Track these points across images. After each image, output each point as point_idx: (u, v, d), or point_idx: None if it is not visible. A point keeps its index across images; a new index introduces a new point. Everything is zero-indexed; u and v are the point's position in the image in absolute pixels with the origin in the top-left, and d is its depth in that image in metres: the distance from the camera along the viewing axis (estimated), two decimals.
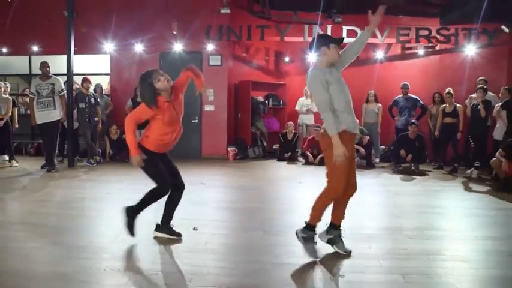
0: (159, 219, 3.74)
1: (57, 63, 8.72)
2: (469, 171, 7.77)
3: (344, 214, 3.41)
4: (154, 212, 3.77)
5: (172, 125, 3.56)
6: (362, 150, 8.69)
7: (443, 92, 8.54)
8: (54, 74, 7.73)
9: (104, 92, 9.58)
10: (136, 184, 6.44)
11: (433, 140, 8.77)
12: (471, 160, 7.92)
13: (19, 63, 10.32)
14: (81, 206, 5.09)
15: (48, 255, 3.31)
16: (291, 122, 10.00)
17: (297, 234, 3.34)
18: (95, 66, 10.01)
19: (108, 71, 10.07)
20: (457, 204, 5.66)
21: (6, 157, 8.12)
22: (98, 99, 8.60)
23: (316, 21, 9.41)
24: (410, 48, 9.98)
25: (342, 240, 3.37)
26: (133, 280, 2.82)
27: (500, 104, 7.25)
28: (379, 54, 10.00)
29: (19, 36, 9.72)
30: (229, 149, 9.77)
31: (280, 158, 9.77)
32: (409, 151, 8.14)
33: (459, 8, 8.48)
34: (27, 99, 8.66)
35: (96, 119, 8.41)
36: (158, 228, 3.73)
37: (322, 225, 3.40)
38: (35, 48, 9.80)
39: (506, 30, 8.63)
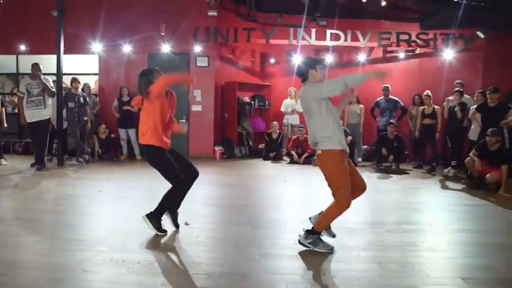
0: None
1: (45, 63, 8.78)
2: (446, 170, 8.14)
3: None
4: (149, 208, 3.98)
5: (165, 115, 3.85)
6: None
7: (422, 94, 8.91)
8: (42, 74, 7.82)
9: (91, 92, 9.70)
10: (126, 182, 6.71)
11: (413, 140, 9.12)
12: (448, 159, 8.29)
13: (6, 63, 10.34)
14: (75, 202, 5.25)
15: (48, 248, 3.49)
16: (276, 122, 10.26)
17: (301, 242, 3.45)
18: (82, 66, 10.11)
19: (95, 71, 10.19)
20: (434, 200, 6.00)
21: None
22: (87, 99, 8.72)
23: (301, 24, 9.69)
24: (391, 52, 10.34)
25: (322, 241, 3.48)
26: (132, 269, 3.03)
27: (475, 106, 7.61)
28: (362, 57, 10.33)
29: (7, 35, 9.76)
30: (216, 148, 9.98)
31: (266, 157, 10.02)
32: (388, 150, 8.47)
33: (438, 14, 8.86)
34: (15, 98, 8.74)
35: (85, 118, 8.54)
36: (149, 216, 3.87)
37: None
38: (23, 47, 9.84)
39: (482, 35, 9.04)
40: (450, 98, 8.40)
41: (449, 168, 8.05)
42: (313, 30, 9.69)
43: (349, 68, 10.39)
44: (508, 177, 6.26)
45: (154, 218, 3.86)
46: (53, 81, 8.11)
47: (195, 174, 3.96)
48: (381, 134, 8.83)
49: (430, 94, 8.54)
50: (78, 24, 9.22)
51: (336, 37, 9.63)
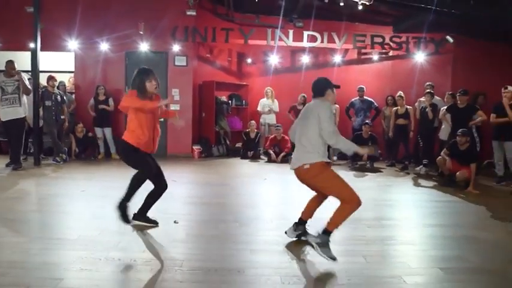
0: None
1: (18, 59, 8.59)
2: (418, 168, 8.50)
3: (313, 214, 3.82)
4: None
5: (152, 119, 3.96)
6: None
7: (395, 95, 9.26)
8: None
9: (66, 90, 9.57)
10: (107, 181, 6.68)
11: (386, 140, 9.47)
12: (420, 158, 8.67)
13: None
14: (59, 202, 5.23)
15: (40, 248, 3.50)
16: (253, 122, 10.40)
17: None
18: (56, 63, 9.95)
19: (69, 69, 10.06)
20: (408, 197, 6.31)
21: None
22: (64, 97, 8.61)
23: (278, 25, 9.86)
24: (365, 54, 10.67)
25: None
26: (129, 267, 3.11)
27: (445, 107, 7.99)
28: (337, 58, 10.61)
29: None
30: (194, 147, 10.04)
31: (244, 156, 10.15)
32: None
33: (410, 18, 9.22)
34: None
35: (62, 117, 8.43)
36: (135, 217, 4.10)
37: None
38: None
39: (451, 40, 9.48)
40: (421, 99, 8.77)
41: (421, 166, 8.42)
42: (291, 32, 9.89)
43: (325, 68, 10.65)
44: (476, 174, 6.65)
45: (139, 217, 4.10)
46: (29, 79, 7.98)
47: (163, 188, 4.14)
48: (355, 134, 9.12)
49: (403, 95, 8.89)
50: (53, 20, 9.06)
51: (312, 38, 9.86)
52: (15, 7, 9.06)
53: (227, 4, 9.80)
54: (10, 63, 7.51)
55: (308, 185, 3.62)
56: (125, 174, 4.13)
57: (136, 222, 4.10)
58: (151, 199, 4.14)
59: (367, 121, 9.00)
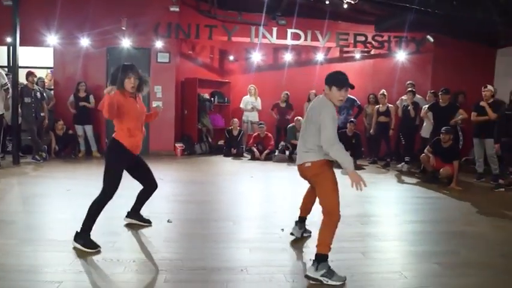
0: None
1: None
2: (400, 165, 8.67)
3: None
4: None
5: (138, 120, 3.69)
6: None
7: (377, 93, 9.41)
8: None
9: (45, 86, 9.30)
10: (92, 180, 6.45)
11: (368, 137, 9.60)
12: (402, 155, 8.83)
13: None
14: (45, 202, 5.09)
15: (33, 250, 3.40)
16: (236, 119, 10.36)
17: (311, 277, 2.98)
18: (33, 59, 9.66)
19: (47, 64, 9.78)
20: (393, 194, 6.43)
21: None
22: (44, 94, 8.37)
23: (260, 23, 9.85)
24: (347, 52, 10.77)
25: (334, 271, 3.08)
26: (129, 268, 3.06)
27: (427, 106, 8.16)
28: (320, 56, 10.68)
29: None
30: (176, 145, 9.93)
31: (227, 154, 10.09)
32: (346, 147, 8.85)
33: (392, 18, 9.37)
34: None
35: (42, 114, 8.19)
36: (129, 215, 4.09)
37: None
38: None
39: (431, 39, 9.68)
40: (403, 97, 8.94)
41: (403, 163, 8.58)
42: (275, 29, 9.89)
43: (308, 66, 10.72)
44: (458, 171, 6.83)
45: (132, 216, 4.06)
46: (6, 75, 7.71)
47: (153, 187, 4.03)
48: (340, 131, 9.17)
49: (385, 93, 9.04)
50: (31, 14, 8.77)
51: (296, 36, 9.89)
52: None
53: (211, 1, 9.72)
54: None
55: (309, 183, 3.60)
56: None
57: (130, 221, 4.04)
58: (143, 198, 4.08)
59: (352, 119, 9.10)
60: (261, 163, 9.17)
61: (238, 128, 10.25)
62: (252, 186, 6.88)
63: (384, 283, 2.96)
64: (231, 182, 7.11)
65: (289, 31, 9.85)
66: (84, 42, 9.26)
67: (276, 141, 10.13)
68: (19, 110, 7.81)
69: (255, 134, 9.97)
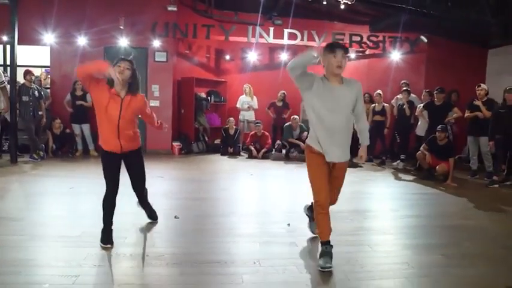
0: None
1: None
2: (395, 163, 8.82)
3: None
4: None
5: (110, 120, 3.39)
6: (302, 144, 9.41)
7: (372, 92, 9.55)
8: None
9: (42, 85, 9.27)
10: (93, 178, 6.49)
11: None
12: (397, 153, 8.98)
13: None
14: (48, 200, 5.11)
15: (45, 246, 3.44)
16: (232, 118, 10.41)
17: (321, 266, 3.04)
18: (30, 57, 9.61)
19: (43, 63, 9.75)
20: (392, 190, 6.56)
21: None
22: (42, 93, 8.35)
23: (256, 22, 9.92)
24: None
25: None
26: (143, 262, 3.11)
27: (422, 104, 8.32)
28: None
29: None
30: (174, 143, 9.96)
31: (224, 153, 10.16)
32: None
33: (386, 18, 9.52)
34: None
35: (40, 112, 8.17)
36: (139, 204, 4.05)
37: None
38: None
39: (425, 40, 9.86)
40: (399, 96, 9.09)
41: (398, 161, 8.73)
42: (271, 29, 9.97)
43: None
44: (453, 168, 6.98)
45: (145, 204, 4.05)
46: (3, 72, 7.68)
47: (137, 192, 3.80)
48: None
49: (381, 93, 9.18)
50: (28, 13, 8.74)
51: (292, 36, 9.98)
52: None
53: (208, 1, 9.77)
54: None
55: None
56: None
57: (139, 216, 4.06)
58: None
59: None
60: (258, 161, 9.26)
61: (234, 127, 10.32)
62: (251, 183, 6.96)
63: (392, 273, 3.05)
64: (230, 179, 7.18)
65: (286, 31, 9.94)
66: (82, 41, 9.24)
67: (273, 140, 10.23)
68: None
69: (252, 132, 10.05)
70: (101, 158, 3.60)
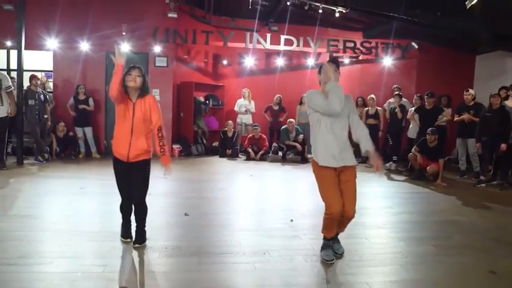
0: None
1: None
2: (387, 164, 9.18)
3: (343, 228, 3.56)
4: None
5: (124, 125, 3.49)
6: (299, 146, 9.77)
7: (365, 96, 9.93)
8: None
9: (45, 89, 9.52)
10: (101, 179, 6.82)
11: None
12: (389, 155, 9.36)
13: None
14: (62, 199, 5.37)
15: (69, 239, 3.71)
16: (230, 121, 10.73)
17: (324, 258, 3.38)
18: (33, 62, 9.84)
19: (46, 68, 9.98)
20: (385, 189, 6.90)
21: None
22: (47, 97, 8.60)
23: (253, 28, 10.27)
24: (337, 57, 11.27)
25: (336, 240, 3.56)
26: (163, 253, 3.42)
27: (413, 108, 8.71)
28: (311, 61, 11.17)
29: None
30: (174, 146, 10.25)
31: (222, 155, 10.46)
32: None
33: (379, 25, 9.92)
34: None
35: (45, 116, 8.41)
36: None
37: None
38: None
39: (415, 46, 10.29)
40: (391, 100, 9.48)
41: (391, 162, 9.11)
42: (268, 35, 10.32)
43: (299, 70, 11.20)
44: (443, 169, 7.37)
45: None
46: (11, 78, 7.92)
47: (135, 203, 3.67)
48: None
49: (374, 97, 9.57)
50: (32, 19, 8.97)
51: (288, 42, 10.35)
52: None
53: (207, 7, 10.09)
54: None
55: None
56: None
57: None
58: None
59: None
60: (256, 163, 9.56)
61: (232, 129, 10.63)
62: (251, 184, 7.27)
63: (388, 261, 3.40)
64: (231, 180, 7.47)
65: (282, 37, 10.30)
66: (84, 46, 9.52)
67: (270, 142, 10.55)
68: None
69: (250, 135, 10.36)
70: (113, 166, 3.66)
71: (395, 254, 3.56)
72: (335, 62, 3.45)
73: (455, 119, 7.92)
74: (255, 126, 10.35)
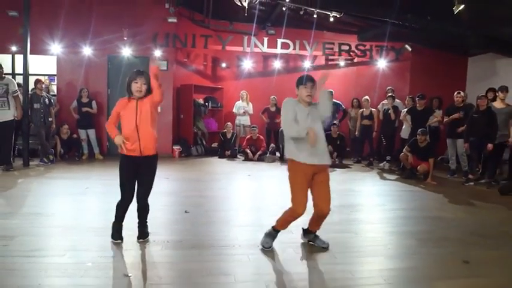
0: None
1: None
2: (381, 164, 9.48)
3: (319, 226, 3.82)
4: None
5: (130, 122, 3.65)
6: None
7: (360, 98, 10.22)
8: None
9: (49, 92, 9.79)
10: (105, 179, 7.10)
11: (352, 139, 10.41)
12: (383, 155, 9.65)
13: None
14: (70, 198, 5.66)
15: (79, 235, 3.99)
16: (229, 123, 11.04)
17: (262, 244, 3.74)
18: (37, 66, 10.13)
19: (49, 72, 10.28)
20: (377, 188, 7.20)
21: None
22: (52, 100, 8.90)
23: (251, 32, 10.57)
24: (332, 60, 11.58)
25: (318, 237, 3.88)
26: (165, 246, 3.73)
27: (405, 109, 9.00)
28: (307, 64, 11.46)
29: None
30: (174, 147, 10.54)
31: (221, 156, 10.76)
32: (332, 148, 9.65)
33: (373, 28, 10.22)
34: None
35: (50, 119, 8.71)
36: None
37: None
38: None
39: (409, 49, 10.60)
40: (384, 102, 9.77)
41: (384, 162, 9.41)
42: (265, 39, 10.62)
43: (295, 73, 11.43)
44: (433, 168, 7.66)
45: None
46: (18, 83, 8.20)
47: (137, 200, 3.83)
48: (325, 134, 9.94)
49: (368, 99, 9.88)
50: (36, 25, 9.25)
51: (285, 45, 10.65)
52: None
53: (206, 11, 10.39)
54: None
55: None
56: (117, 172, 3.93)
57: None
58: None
59: (335, 122, 9.87)
60: (254, 163, 9.85)
61: (231, 131, 10.93)
62: (249, 183, 7.56)
63: (373, 253, 3.70)
64: (229, 180, 7.76)
65: (279, 41, 10.60)
66: (87, 50, 9.82)
67: (267, 143, 10.84)
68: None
69: (248, 136, 10.65)
70: (119, 164, 3.77)
71: (380, 247, 3.86)
72: (312, 81, 3.67)
73: (445, 120, 8.21)
74: (253, 127, 10.64)
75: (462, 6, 6.70)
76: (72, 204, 5.39)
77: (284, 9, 9.43)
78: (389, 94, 9.60)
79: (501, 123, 7.20)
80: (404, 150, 8.11)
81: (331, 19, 8.75)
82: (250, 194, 6.62)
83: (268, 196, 6.45)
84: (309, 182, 3.58)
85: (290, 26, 10.53)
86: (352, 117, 10.47)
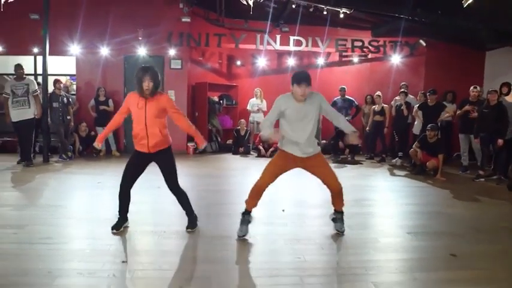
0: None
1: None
2: (394, 160, 9.45)
3: (340, 203, 4.06)
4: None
5: (139, 121, 3.87)
6: None
7: (373, 94, 10.19)
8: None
9: (69, 92, 10.17)
10: (118, 176, 7.31)
11: (365, 135, 10.38)
12: (395, 151, 9.60)
13: None
14: (83, 192, 5.97)
15: (92, 225, 4.26)
16: (243, 120, 11.18)
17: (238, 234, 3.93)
18: (56, 67, 10.53)
19: (68, 72, 10.68)
20: (385, 183, 7.25)
21: None
22: (70, 99, 9.26)
23: (265, 30, 10.67)
24: (346, 56, 11.56)
25: (337, 220, 4.09)
26: (163, 236, 3.94)
27: (417, 105, 8.93)
28: (320, 60, 11.48)
29: None
30: (189, 144, 10.77)
31: (235, 152, 10.92)
32: (344, 144, 9.68)
33: (387, 24, 10.16)
34: None
35: (68, 117, 9.07)
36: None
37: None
38: None
39: (423, 43, 10.49)
40: (397, 97, 9.72)
41: (397, 158, 9.36)
42: (278, 36, 10.71)
43: (309, 70, 11.37)
44: (443, 164, 7.60)
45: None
46: (37, 83, 8.58)
47: (172, 191, 4.14)
48: (337, 130, 9.96)
49: (380, 94, 9.83)
50: (56, 27, 9.63)
51: (298, 43, 10.71)
52: (19, 14, 9.61)
53: (219, 10, 10.56)
54: (19, 67, 8.11)
55: None
56: None
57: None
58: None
59: (347, 118, 9.85)
60: (266, 160, 9.76)
61: (245, 128, 11.07)
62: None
63: (362, 245, 3.79)
64: (242, 175, 7.89)
65: (292, 38, 10.67)
66: (104, 51, 10.15)
67: None
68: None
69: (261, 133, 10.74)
70: (130, 156, 4.06)
71: (370, 240, 3.92)
72: (307, 81, 3.68)
73: (458, 112, 8.11)
74: None
75: (471, 0, 6.61)
76: (85, 197, 5.69)
77: (294, 6, 9.49)
78: (402, 90, 9.53)
79: None
80: (414, 146, 8.07)
81: (341, 15, 8.76)
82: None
83: (280, 190, 6.50)
84: (286, 168, 3.90)
85: (303, 23, 10.58)
86: (366, 114, 10.44)
